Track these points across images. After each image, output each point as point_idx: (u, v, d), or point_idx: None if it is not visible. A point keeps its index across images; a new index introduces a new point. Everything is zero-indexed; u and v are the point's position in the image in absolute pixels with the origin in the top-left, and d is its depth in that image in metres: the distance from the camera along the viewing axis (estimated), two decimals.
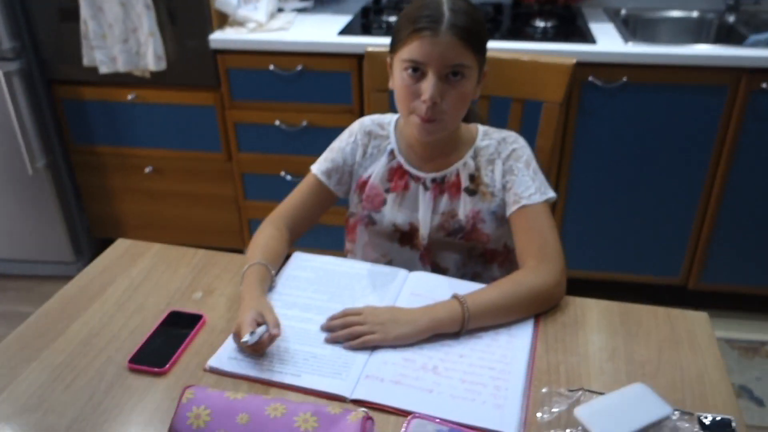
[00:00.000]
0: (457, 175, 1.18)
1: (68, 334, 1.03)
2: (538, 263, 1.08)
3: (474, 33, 1.05)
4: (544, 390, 0.91)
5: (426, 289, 1.11)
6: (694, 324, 1.04)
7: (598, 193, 2.14)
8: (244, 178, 2.34)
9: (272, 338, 0.96)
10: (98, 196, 2.49)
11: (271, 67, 2.10)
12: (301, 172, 2.24)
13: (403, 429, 0.79)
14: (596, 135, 2.05)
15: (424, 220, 1.20)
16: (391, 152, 1.22)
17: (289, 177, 2.28)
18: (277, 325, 0.96)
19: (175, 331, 1.02)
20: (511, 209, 1.15)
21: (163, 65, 2.12)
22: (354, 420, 0.76)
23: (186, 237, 2.48)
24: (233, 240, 2.48)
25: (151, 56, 2.10)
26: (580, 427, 0.84)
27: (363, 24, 2.23)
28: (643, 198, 2.12)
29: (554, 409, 0.87)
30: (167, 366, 0.95)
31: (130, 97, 2.24)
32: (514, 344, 1.00)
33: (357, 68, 2.06)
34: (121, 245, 1.26)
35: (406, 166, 1.20)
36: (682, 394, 0.91)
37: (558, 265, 1.07)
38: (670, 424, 0.84)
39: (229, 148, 2.29)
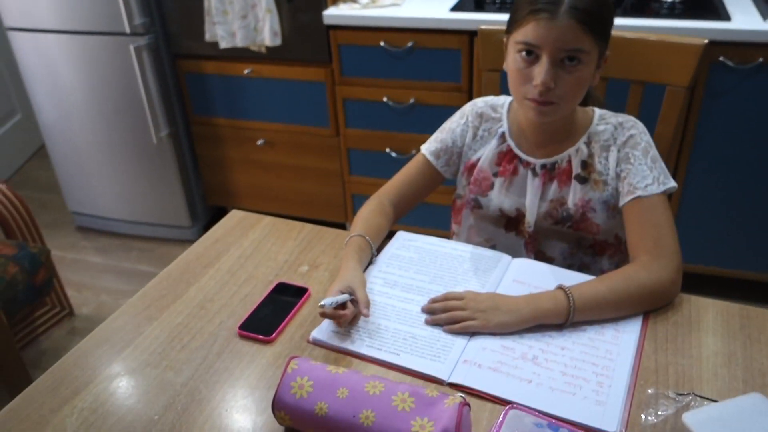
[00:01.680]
0: (569, 161, 1.14)
1: (186, 297, 1.10)
2: (653, 259, 1.02)
3: (596, 16, 1.00)
4: (650, 391, 0.88)
5: (529, 277, 1.09)
6: None
7: (721, 183, 2.00)
8: (350, 154, 2.38)
9: (356, 314, 0.98)
10: (214, 166, 2.62)
11: (382, 43, 2.11)
12: (407, 149, 2.27)
13: (500, 418, 0.79)
14: (724, 120, 1.90)
15: (531, 207, 1.17)
16: (502, 135, 1.19)
17: (394, 154, 2.29)
18: (367, 305, 0.98)
19: (282, 302, 1.07)
20: (625, 200, 1.10)
21: (278, 41, 2.19)
22: (450, 404, 0.77)
23: (292, 208, 2.57)
24: (337, 213, 2.54)
25: (268, 32, 2.17)
26: None
27: (477, 1, 2.18)
28: None
29: (660, 412, 0.84)
30: (273, 335, 1.00)
31: (246, 71, 2.33)
32: (621, 340, 0.96)
33: (468, 46, 2.03)
34: (234, 216, 1.33)
35: (516, 151, 1.18)
36: None
37: (674, 261, 1.02)
38: None
39: (337, 124, 2.34)
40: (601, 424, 0.82)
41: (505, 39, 1.10)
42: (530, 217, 1.18)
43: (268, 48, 2.24)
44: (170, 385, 0.92)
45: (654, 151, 1.11)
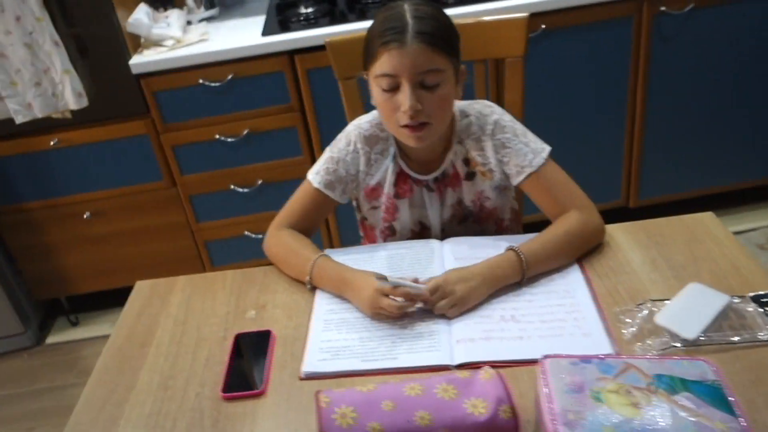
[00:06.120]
0: (453, 165, 1.21)
1: (140, 385, 0.99)
2: (578, 210, 1.13)
3: (442, 36, 1.06)
4: (616, 310, 1.00)
5: (467, 252, 1.16)
6: (706, 224, 1.17)
7: (678, 118, 2.21)
8: (193, 201, 2.27)
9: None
10: (35, 256, 2.31)
11: (200, 81, 2.04)
12: (252, 181, 2.23)
13: (542, 370, 0.80)
14: (673, 61, 2.10)
15: (434, 219, 1.25)
16: (395, 156, 1.22)
17: (240, 189, 2.23)
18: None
19: (251, 352, 1.01)
20: (518, 179, 1.18)
21: (84, 102, 2.00)
22: (489, 378, 0.80)
23: (143, 274, 2.35)
24: (193, 266, 2.39)
25: (70, 95, 1.97)
26: (666, 333, 0.93)
27: (280, 21, 2.20)
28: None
29: (635, 323, 0.96)
30: (263, 387, 0.94)
31: (52, 143, 2.10)
32: (569, 278, 1.08)
33: (290, 65, 2.05)
34: (142, 288, 1.22)
35: (407, 171, 1.22)
36: (727, 283, 1.02)
37: (592, 206, 1.14)
38: (734, 308, 0.95)
39: (171, 174, 2.21)
40: (599, 350, 0.92)
41: (365, 75, 1.13)
42: (435, 229, 1.25)
43: (73, 112, 2.03)
44: None
45: (519, 126, 1.19)
